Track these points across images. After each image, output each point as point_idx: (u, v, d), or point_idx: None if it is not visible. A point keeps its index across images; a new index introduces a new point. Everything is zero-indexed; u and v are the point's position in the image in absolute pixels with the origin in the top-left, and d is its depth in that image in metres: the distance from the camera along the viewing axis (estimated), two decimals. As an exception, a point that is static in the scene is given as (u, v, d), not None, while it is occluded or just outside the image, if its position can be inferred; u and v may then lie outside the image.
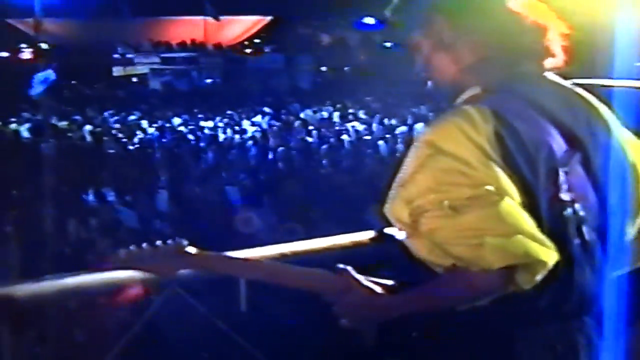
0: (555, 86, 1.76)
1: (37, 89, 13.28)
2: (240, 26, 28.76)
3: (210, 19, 25.51)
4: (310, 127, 13.80)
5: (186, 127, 14.74)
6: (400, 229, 1.66)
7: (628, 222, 1.73)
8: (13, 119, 15.77)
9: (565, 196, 1.61)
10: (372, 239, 2.36)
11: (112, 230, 7.16)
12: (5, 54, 26.19)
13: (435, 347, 1.74)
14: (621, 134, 1.78)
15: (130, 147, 12.13)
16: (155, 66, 24.82)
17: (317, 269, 1.84)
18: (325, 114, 16.74)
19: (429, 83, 1.89)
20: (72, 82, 23.81)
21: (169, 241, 1.88)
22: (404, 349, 1.82)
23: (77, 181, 9.16)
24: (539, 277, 1.55)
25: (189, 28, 27.91)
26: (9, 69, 23.46)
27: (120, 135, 13.02)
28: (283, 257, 2.15)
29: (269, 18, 27.32)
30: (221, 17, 26.25)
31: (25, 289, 1.93)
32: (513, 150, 1.57)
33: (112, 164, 10.76)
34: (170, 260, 1.87)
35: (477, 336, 1.66)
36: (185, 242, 1.87)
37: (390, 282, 1.76)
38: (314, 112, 17.22)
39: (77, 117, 16.23)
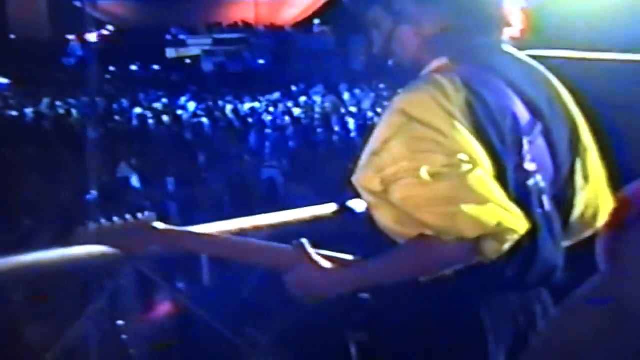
0: (515, 57, 1.78)
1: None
2: (294, 7, 28.70)
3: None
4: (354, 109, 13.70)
5: (234, 108, 14.82)
6: (367, 199, 1.65)
7: (579, 195, 1.77)
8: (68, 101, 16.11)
9: (529, 166, 1.63)
10: (335, 212, 2.32)
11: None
12: (72, 37, 26.76)
13: (397, 320, 1.72)
14: (574, 109, 1.81)
15: (176, 129, 12.26)
16: (207, 47, 24.98)
17: (277, 244, 1.86)
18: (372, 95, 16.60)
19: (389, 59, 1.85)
20: (130, 64, 24.23)
21: (139, 215, 1.86)
22: (366, 325, 1.77)
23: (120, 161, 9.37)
24: (506, 247, 1.56)
25: (240, 9, 28.02)
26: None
27: (166, 116, 13.17)
28: (247, 231, 2.21)
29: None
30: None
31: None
32: (483, 119, 1.58)
33: (158, 145, 10.93)
34: (137, 236, 1.84)
35: (439, 308, 1.65)
36: (153, 217, 1.86)
37: (350, 257, 1.76)
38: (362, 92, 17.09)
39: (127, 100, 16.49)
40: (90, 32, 28.02)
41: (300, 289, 1.73)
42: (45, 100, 16.26)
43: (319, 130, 11.94)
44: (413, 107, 1.59)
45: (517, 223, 1.56)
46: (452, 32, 1.73)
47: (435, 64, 1.71)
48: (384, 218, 1.62)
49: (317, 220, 2.64)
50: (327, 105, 14.84)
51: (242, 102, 16.26)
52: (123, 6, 29.49)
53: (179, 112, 14.22)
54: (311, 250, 1.74)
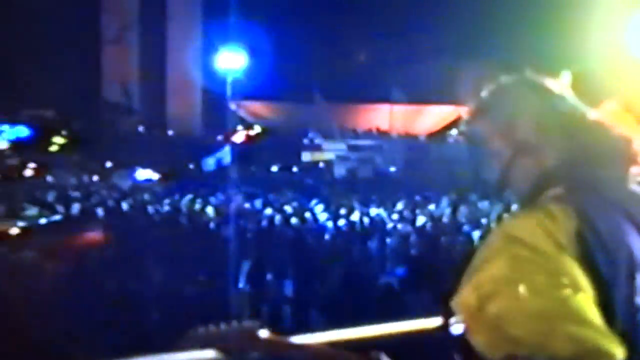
0: (637, 194, 1.76)
1: (208, 166, 14.19)
2: (428, 117, 29.15)
3: (396, 107, 26.19)
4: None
5: (360, 213, 15.14)
6: (463, 318, 1.63)
7: None
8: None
9: None
10: (439, 327, 2.39)
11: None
12: (220, 136, 28.30)
13: None
14: None
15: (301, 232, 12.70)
16: (341, 153, 25.79)
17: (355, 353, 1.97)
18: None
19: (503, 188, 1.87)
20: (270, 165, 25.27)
21: (245, 322, 2.01)
22: None
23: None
24: None
25: (376, 115, 28.76)
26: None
27: (294, 219, 13.67)
28: (346, 343, 2.25)
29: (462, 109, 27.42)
30: (411, 107, 26.86)
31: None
32: (593, 248, 1.56)
33: (283, 246, 11.35)
34: (241, 342, 1.99)
35: None
36: (258, 324, 1.98)
37: None
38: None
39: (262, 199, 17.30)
40: (237, 131, 29.88)
41: None
42: (187, 197, 17.37)
43: (443, 239, 11.95)
44: (519, 230, 1.60)
45: (616, 350, 1.49)
46: (572, 164, 1.73)
47: (552, 192, 1.71)
48: (477, 339, 1.58)
49: (422, 332, 2.63)
50: (454, 213, 14.81)
51: (368, 207, 16.56)
52: (267, 107, 31.05)
53: (307, 214, 14.69)
54: None
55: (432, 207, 16.55)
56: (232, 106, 28.43)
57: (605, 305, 1.54)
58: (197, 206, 16.02)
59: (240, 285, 8.88)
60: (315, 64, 28.84)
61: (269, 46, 28.82)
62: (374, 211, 15.87)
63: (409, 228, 13.40)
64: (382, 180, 22.23)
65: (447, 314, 1.73)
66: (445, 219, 14.33)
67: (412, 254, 11.31)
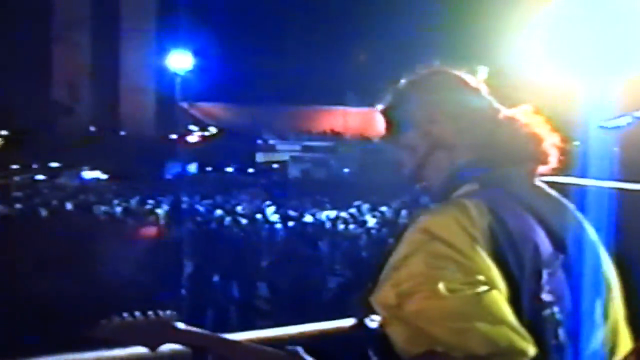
0: (544, 191, 1.81)
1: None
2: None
3: (350, 110, 26.27)
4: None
5: (311, 215, 15.06)
6: (382, 315, 1.64)
7: (597, 331, 1.73)
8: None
9: (546, 297, 1.62)
10: (352, 327, 2.41)
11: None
12: (174, 136, 28.11)
13: None
14: (599, 245, 1.81)
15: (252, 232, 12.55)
16: (295, 154, 25.74)
17: (276, 350, 1.97)
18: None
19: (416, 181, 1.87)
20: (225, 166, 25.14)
21: (161, 312, 1.96)
22: None
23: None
24: None
25: (330, 118, 28.85)
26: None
27: (244, 220, 13.50)
28: (264, 342, 2.24)
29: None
30: (366, 109, 26.91)
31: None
32: (503, 245, 1.60)
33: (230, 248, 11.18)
34: (157, 332, 1.95)
35: None
36: (175, 315, 1.95)
37: None
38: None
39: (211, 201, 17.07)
40: (191, 132, 29.68)
41: None
42: (137, 198, 17.07)
43: (390, 241, 11.91)
44: (435, 227, 1.61)
45: (528, 347, 1.54)
46: (484, 161, 1.76)
47: (465, 189, 1.74)
48: (396, 336, 1.59)
49: (338, 333, 2.72)
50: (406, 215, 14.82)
51: (322, 210, 16.47)
52: (222, 109, 30.90)
53: (258, 215, 14.54)
54: (308, 358, 1.82)
55: (384, 209, 16.52)
56: (186, 107, 28.17)
57: (514, 300, 1.57)
58: (147, 207, 15.75)
59: (184, 286, 8.74)
60: (270, 67, 28.91)
61: (224, 49, 28.77)
62: (326, 213, 15.79)
63: (360, 230, 13.37)
64: (336, 182, 22.18)
65: (366, 311, 1.75)
66: (397, 221, 14.30)
67: (363, 255, 11.24)
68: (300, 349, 1.84)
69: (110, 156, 24.20)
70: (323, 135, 27.70)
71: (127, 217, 14.31)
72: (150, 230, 11.97)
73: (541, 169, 1.80)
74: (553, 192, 1.82)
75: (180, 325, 1.95)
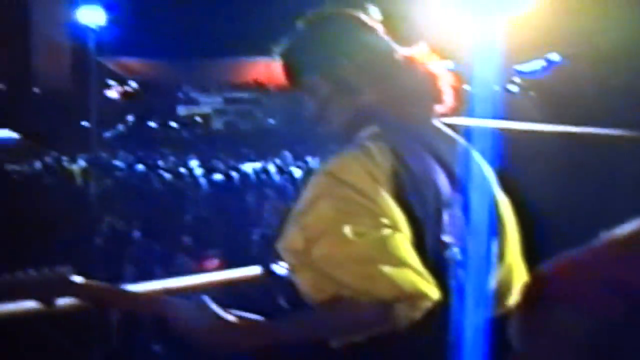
0: (441, 131, 1.83)
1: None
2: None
3: (275, 61, 25.93)
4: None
5: (236, 167, 14.89)
6: (289, 261, 1.64)
7: (493, 270, 1.76)
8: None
9: (447, 238, 1.65)
10: (259, 275, 2.30)
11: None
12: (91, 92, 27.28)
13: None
14: (495, 185, 1.84)
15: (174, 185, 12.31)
16: (218, 106, 25.34)
17: (181, 299, 1.86)
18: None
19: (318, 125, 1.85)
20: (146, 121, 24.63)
21: (56, 267, 1.85)
22: None
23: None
24: (418, 314, 1.56)
25: (253, 69, 28.47)
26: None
27: (167, 174, 13.24)
28: (169, 292, 2.22)
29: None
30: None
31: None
32: (407, 188, 1.62)
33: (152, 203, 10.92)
34: (52, 288, 1.84)
35: None
36: (70, 270, 1.85)
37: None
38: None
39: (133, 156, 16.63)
40: (110, 88, 28.82)
41: (203, 336, 1.70)
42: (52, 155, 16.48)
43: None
44: (341, 170, 1.62)
45: (431, 291, 1.57)
46: (386, 103, 1.77)
47: (367, 131, 1.74)
48: (304, 282, 1.61)
49: (243, 282, 2.69)
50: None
51: (247, 160, 16.33)
52: (142, 63, 30.14)
53: (182, 169, 14.28)
54: (214, 306, 1.70)
55: (309, 159, 16.44)
56: (105, 63, 27.24)
57: (418, 243, 1.60)
58: (65, 165, 15.27)
59: (101, 243, 8.51)
60: (188, 19, 28.31)
61: (139, 2, 27.95)
62: (252, 165, 15.63)
63: (287, 181, 13.27)
64: (261, 134, 21.95)
65: (274, 257, 1.73)
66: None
67: (289, 206, 11.14)
68: (207, 298, 1.73)
69: (23, 114, 23.31)
70: (246, 87, 27.30)
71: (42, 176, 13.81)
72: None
73: (438, 108, 1.81)
74: (450, 132, 1.84)
75: (77, 278, 1.84)
